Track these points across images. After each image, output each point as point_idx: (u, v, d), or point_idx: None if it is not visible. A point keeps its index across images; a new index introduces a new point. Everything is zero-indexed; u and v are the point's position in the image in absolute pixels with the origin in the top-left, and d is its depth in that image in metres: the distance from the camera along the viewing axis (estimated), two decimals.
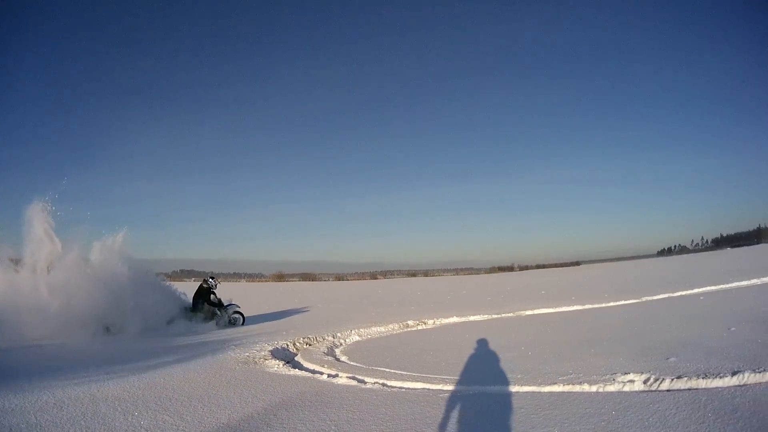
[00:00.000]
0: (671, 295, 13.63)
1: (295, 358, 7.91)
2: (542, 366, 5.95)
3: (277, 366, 6.87)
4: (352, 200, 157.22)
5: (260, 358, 7.46)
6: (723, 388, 4.39)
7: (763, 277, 14.19)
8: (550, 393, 4.77)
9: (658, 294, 14.05)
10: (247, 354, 7.77)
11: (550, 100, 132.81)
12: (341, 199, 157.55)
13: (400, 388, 5.33)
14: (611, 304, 13.40)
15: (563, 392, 4.78)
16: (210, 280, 14.27)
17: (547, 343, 7.86)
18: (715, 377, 4.69)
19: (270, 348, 8.38)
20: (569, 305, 13.71)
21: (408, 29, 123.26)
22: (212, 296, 13.79)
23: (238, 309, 14.07)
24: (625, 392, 4.68)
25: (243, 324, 13.63)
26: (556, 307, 13.65)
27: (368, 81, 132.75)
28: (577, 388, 4.84)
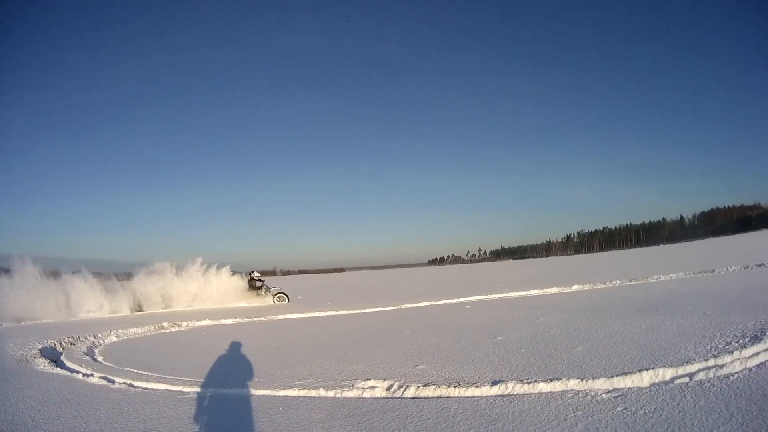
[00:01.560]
0: (434, 303, 14.12)
1: (61, 357, 8.03)
2: (281, 370, 5.95)
3: (43, 365, 7.37)
4: None
5: (31, 357, 8.01)
6: (480, 398, 4.24)
7: (540, 289, 15.46)
8: (285, 397, 4.76)
9: (420, 302, 14.48)
10: (22, 352, 8.27)
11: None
12: None
13: (145, 388, 5.50)
14: (367, 310, 13.55)
15: (298, 396, 4.77)
16: (254, 273, 20.54)
17: (291, 347, 7.97)
18: (471, 386, 4.54)
19: (40, 346, 8.89)
20: (323, 311, 13.78)
21: None
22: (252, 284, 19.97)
23: (280, 291, 19.88)
24: (365, 398, 4.58)
25: (288, 302, 19.02)
26: (308, 312, 13.71)
27: None
28: (313, 393, 4.81)
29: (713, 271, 15.17)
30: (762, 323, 6.00)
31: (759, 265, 14.59)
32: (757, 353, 4.70)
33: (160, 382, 5.62)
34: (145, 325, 12.18)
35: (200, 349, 8.01)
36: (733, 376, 4.10)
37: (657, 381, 4.30)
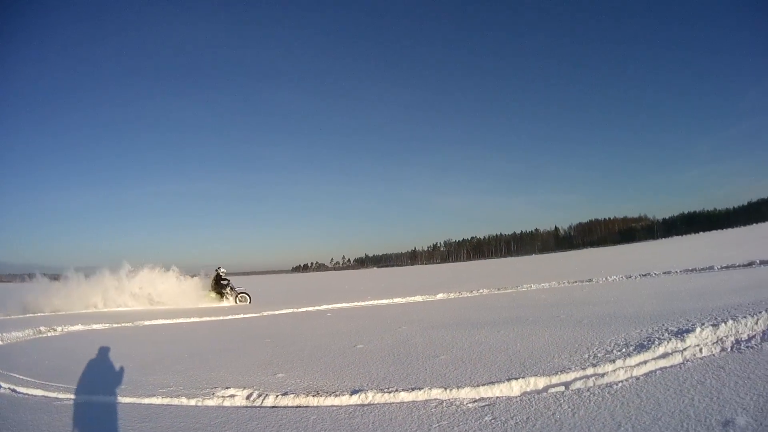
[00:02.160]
0: (295, 310, 13.73)
1: None
2: (147, 377, 5.74)
3: None
4: None
5: None
6: (340, 407, 4.02)
7: (403, 297, 15.06)
8: (149, 405, 4.65)
9: (281, 309, 14.09)
10: None
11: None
12: None
13: (26, 394, 5.42)
14: (230, 317, 13.17)
15: (161, 404, 4.66)
16: (220, 269, 19.40)
17: (157, 353, 7.67)
18: (330, 395, 4.31)
19: None
20: (188, 317, 13.25)
21: None
22: (217, 282, 18.85)
23: (243, 291, 19.16)
24: (225, 407, 4.44)
25: (249, 303, 18.28)
26: (173, 318, 13.10)
27: None
28: (175, 401, 4.71)
29: (591, 280, 14.73)
30: (649, 332, 5.89)
31: (644, 275, 14.30)
32: (645, 362, 4.61)
33: (37, 388, 5.53)
34: (25, 329, 11.34)
35: (74, 355, 7.56)
36: (617, 385, 3.93)
37: (529, 390, 4.12)
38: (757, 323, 5.90)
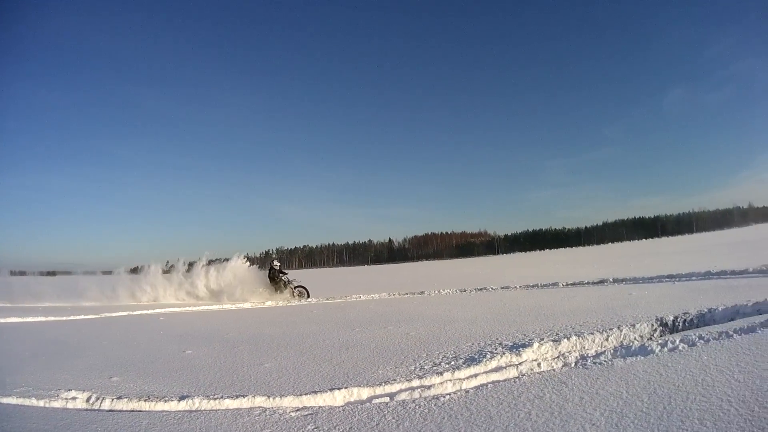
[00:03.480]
0: (131, 313, 13.33)
1: None
2: (6, 377, 5.61)
3: None
4: None
5: None
6: (170, 413, 4.01)
7: (233, 303, 15.43)
8: (7, 404, 4.66)
9: (117, 312, 13.63)
10: None
11: None
12: None
13: None
14: (72, 318, 12.66)
15: (17, 405, 4.66)
16: (274, 262, 18.03)
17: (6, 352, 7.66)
18: (161, 400, 4.30)
19: None
20: (35, 316, 12.74)
21: None
22: (273, 275, 17.29)
23: (300, 285, 17.12)
24: (69, 409, 4.42)
25: (308, 298, 16.36)
26: (8, 317, 12.48)
27: None
28: (27, 402, 4.69)
29: (423, 293, 14.80)
30: (481, 346, 5.96)
31: (480, 289, 14.41)
32: (475, 375, 4.66)
33: None
34: None
35: None
36: (445, 397, 3.93)
37: (353, 400, 4.16)
38: (607, 339, 6.18)
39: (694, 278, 12.19)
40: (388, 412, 3.67)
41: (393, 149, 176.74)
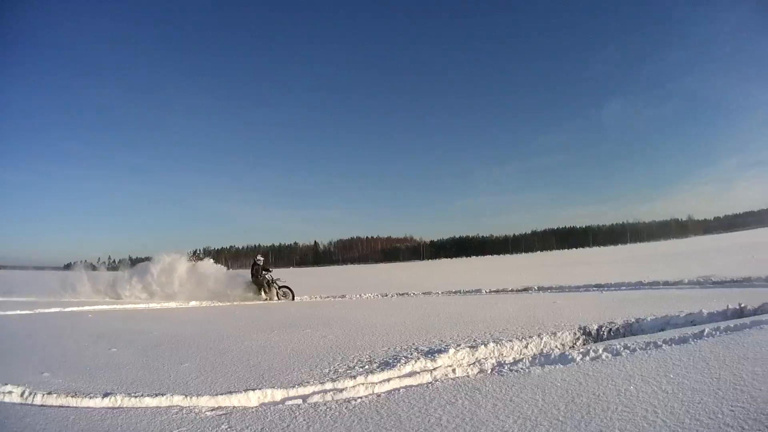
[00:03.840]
0: (62, 310, 13.17)
1: None
2: None
3: None
4: None
5: None
6: (94, 409, 4.14)
7: (158, 303, 15.40)
8: None
9: (49, 308, 13.40)
10: None
11: None
12: None
13: None
14: (9, 313, 12.39)
15: None
16: (257, 257, 16.75)
17: None
18: (86, 397, 4.41)
19: None
20: None
21: None
22: (256, 272, 16.12)
23: (285, 285, 16.03)
24: (5, 402, 4.48)
25: (293, 299, 15.41)
26: None
27: None
28: None
29: (344, 296, 15.41)
30: (397, 350, 6.10)
31: (401, 294, 14.95)
32: (388, 379, 4.75)
33: None
34: None
35: None
36: (357, 401, 4.05)
37: (266, 401, 4.28)
38: (527, 347, 6.25)
39: (624, 288, 12.47)
40: (300, 414, 3.77)
41: (321, 152, 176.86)
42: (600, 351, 5.29)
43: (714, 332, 5.85)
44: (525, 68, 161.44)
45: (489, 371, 4.91)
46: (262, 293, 15.72)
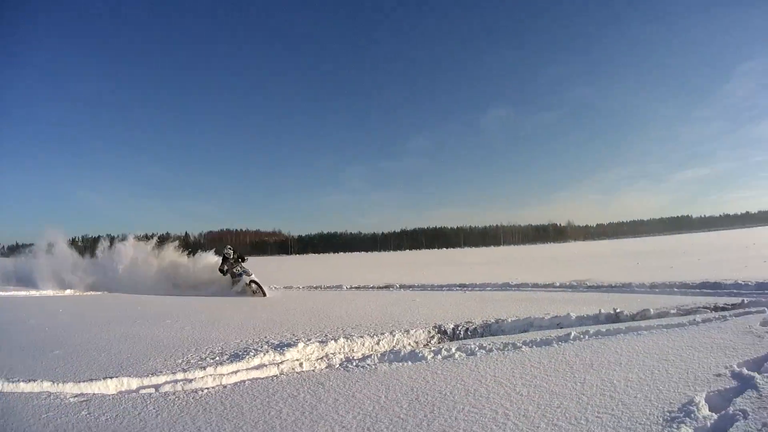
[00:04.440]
0: None
1: None
2: None
3: None
4: None
5: None
6: None
7: (38, 290, 15.92)
8: None
9: None
10: None
11: None
12: None
13: None
14: None
15: None
16: (226, 249, 14.73)
17: None
18: None
19: None
20: None
21: None
22: (225, 264, 14.29)
23: (254, 280, 13.74)
24: None
25: (264, 295, 13.08)
26: None
27: None
28: None
29: None
30: (248, 343, 6.31)
31: (288, 287, 15.64)
32: (236, 371, 4.97)
33: None
34: None
35: None
36: (204, 391, 4.29)
37: (123, 389, 4.48)
38: (378, 343, 6.46)
39: (489, 288, 12.65)
40: (151, 402, 4.00)
41: (194, 143, 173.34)
42: (453, 350, 5.41)
43: (582, 336, 5.90)
44: (401, 69, 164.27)
45: (336, 366, 5.10)
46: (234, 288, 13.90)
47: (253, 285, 13.60)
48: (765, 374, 4.15)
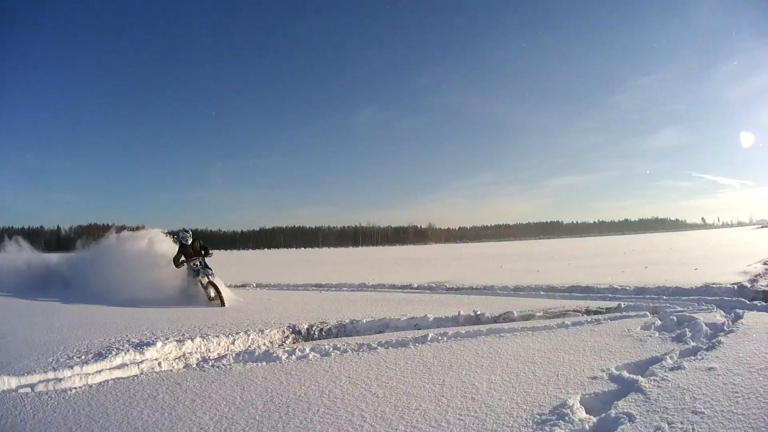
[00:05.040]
0: None
1: None
2: None
3: None
4: None
5: None
6: None
7: None
8: None
9: None
10: None
11: None
12: None
13: None
14: None
15: None
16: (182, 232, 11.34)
17: None
18: None
19: None
20: None
21: None
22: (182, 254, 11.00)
23: (213, 282, 10.46)
24: None
25: (222, 305, 10.10)
26: None
27: None
28: None
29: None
30: (111, 341, 6.41)
31: None
32: (101, 371, 5.13)
33: None
34: None
35: None
36: (72, 391, 4.41)
37: (5, 389, 4.57)
38: (234, 343, 6.66)
39: (345, 289, 12.98)
40: (28, 402, 4.15)
41: (64, 132, 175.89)
42: (307, 351, 5.52)
43: (440, 337, 5.98)
44: (273, 65, 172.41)
45: (193, 366, 5.27)
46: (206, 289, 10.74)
47: (211, 289, 10.59)
48: (651, 378, 4.17)
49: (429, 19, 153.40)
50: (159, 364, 5.42)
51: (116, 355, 5.60)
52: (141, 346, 6.06)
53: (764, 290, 9.45)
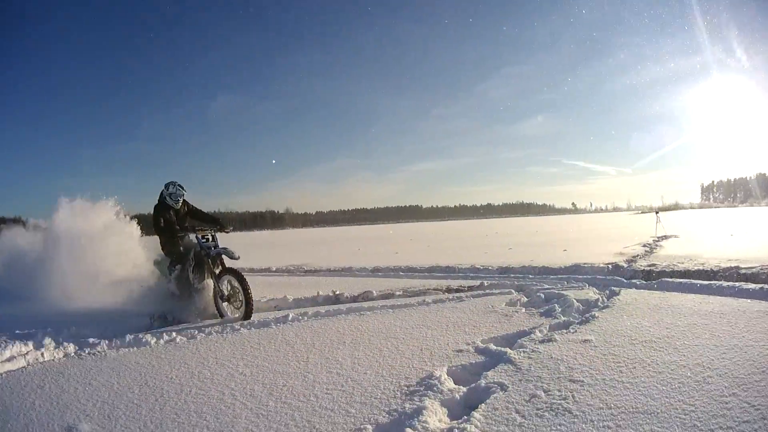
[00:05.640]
0: None
1: None
2: None
3: None
4: None
5: None
6: None
7: None
8: None
9: None
10: None
11: None
12: None
13: None
14: None
15: None
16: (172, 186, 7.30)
17: None
18: None
19: None
20: None
21: None
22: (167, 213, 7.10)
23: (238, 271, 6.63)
24: None
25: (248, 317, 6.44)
26: None
27: None
28: None
29: None
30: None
31: None
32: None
33: None
34: None
35: None
36: None
37: None
38: (106, 329, 6.37)
39: None
40: None
41: None
42: (174, 334, 5.57)
43: (301, 317, 6.02)
44: (133, 47, 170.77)
45: (72, 354, 5.25)
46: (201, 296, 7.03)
47: (232, 290, 6.84)
48: (520, 350, 4.19)
49: (287, 2, 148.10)
50: (42, 354, 5.33)
51: (5, 348, 5.42)
52: (24, 337, 5.86)
53: (644, 269, 9.54)
